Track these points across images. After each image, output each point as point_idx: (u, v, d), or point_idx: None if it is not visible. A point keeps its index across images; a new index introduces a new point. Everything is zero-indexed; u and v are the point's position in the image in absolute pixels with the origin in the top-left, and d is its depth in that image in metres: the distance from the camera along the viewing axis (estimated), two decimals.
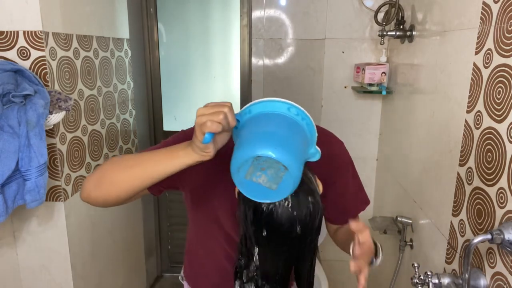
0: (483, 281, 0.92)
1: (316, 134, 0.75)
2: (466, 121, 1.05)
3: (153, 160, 0.80)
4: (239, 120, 0.74)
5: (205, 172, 0.94)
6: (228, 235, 1.00)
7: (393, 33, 1.62)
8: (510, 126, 0.85)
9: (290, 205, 0.74)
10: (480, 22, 0.99)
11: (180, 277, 1.23)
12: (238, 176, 0.70)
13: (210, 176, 0.95)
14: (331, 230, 1.09)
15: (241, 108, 0.76)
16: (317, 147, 0.74)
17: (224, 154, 0.78)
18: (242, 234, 0.83)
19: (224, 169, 0.80)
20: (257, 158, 0.66)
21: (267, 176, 0.68)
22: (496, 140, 0.90)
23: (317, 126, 1.00)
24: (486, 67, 0.96)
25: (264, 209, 0.74)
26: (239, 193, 0.77)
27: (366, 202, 1.06)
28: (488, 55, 0.95)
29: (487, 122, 0.94)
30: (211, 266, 1.09)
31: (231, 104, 0.71)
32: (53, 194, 1.44)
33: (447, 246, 1.15)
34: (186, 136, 0.94)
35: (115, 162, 0.83)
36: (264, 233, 0.76)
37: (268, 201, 0.72)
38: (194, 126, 0.86)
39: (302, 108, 0.73)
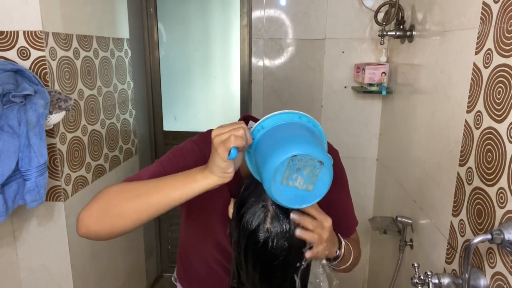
0: (483, 281, 0.92)
1: (327, 142, 0.76)
2: (466, 121, 1.05)
3: (170, 186, 0.74)
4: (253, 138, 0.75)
5: None
6: (220, 245, 1.00)
7: (393, 33, 1.62)
8: (510, 126, 0.85)
9: (286, 235, 0.74)
10: (480, 22, 0.99)
11: (173, 278, 1.22)
12: (275, 184, 0.69)
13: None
14: None
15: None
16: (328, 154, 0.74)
17: None
18: (234, 258, 0.82)
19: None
20: (293, 158, 0.66)
21: (303, 178, 0.69)
22: (496, 140, 0.90)
23: None
24: (486, 67, 0.96)
25: (260, 240, 0.74)
26: (234, 218, 0.78)
27: (356, 223, 1.04)
28: (488, 55, 0.95)
29: (487, 122, 0.94)
30: (203, 270, 1.09)
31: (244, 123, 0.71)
32: (53, 194, 1.44)
33: (447, 246, 1.15)
34: (196, 145, 0.92)
35: (121, 192, 0.76)
36: (254, 262, 0.75)
37: (305, 206, 0.72)
38: (206, 140, 0.85)
39: (311, 117, 0.75)
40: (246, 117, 1.00)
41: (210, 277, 1.08)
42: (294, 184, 0.70)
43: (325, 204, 0.81)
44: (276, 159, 0.67)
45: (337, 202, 0.94)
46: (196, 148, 0.91)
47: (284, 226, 0.75)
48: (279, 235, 0.75)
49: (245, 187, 0.82)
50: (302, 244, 0.76)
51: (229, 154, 0.67)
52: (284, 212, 0.76)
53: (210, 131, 0.91)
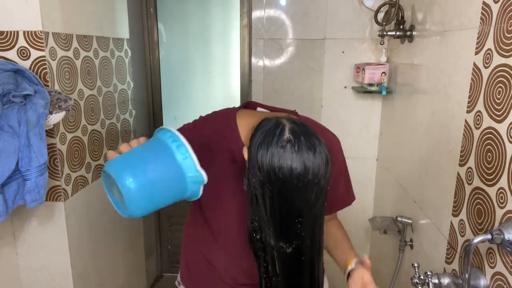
0: (483, 281, 0.92)
1: (193, 161, 0.73)
2: (466, 121, 1.05)
3: None
4: None
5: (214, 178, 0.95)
6: (229, 214, 1.02)
7: (393, 33, 1.62)
8: (510, 126, 0.85)
9: (303, 149, 0.74)
10: (480, 22, 0.99)
11: (176, 283, 1.22)
12: (108, 192, 0.79)
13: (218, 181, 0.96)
14: None
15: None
16: (200, 170, 0.74)
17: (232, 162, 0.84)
18: (251, 206, 0.82)
19: (232, 175, 0.90)
20: (105, 172, 0.74)
21: (118, 191, 0.72)
22: (496, 140, 0.90)
23: (316, 123, 0.99)
24: (486, 67, 0.96)
25: (280, 164, 0.73)
26: (250, 156, 0.78)
27: (353, 198, 1.09)
28: (488, 55, 0.95)
29: (487, 122, 0.94)
30: (209, 272, 1.10)
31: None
32: (53, 194, 1.44)
33: (447, 246, 1.15)
34: (205, 121, 0.99)
35: None
36: (274, 192, 0.75)
37: (123, 215, 0.76)
38: (195, 126, 0.93)
39: (179, 137, 0.73)
40: (250, 103, 1.04)
41: (211, 274, 1.09)
42: (116, 196, 0.75)
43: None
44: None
45: (335, 188, 0.99)
46: (203, 130, 0.99)
47: (298, 148, 0.75)
48: (295, 155, 0.74)
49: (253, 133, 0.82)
50: (321, 165, 0.75)
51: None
52: (296, 136, 0.76)
53: (208, 116, 1.01)
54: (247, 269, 1.07)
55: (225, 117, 1.00)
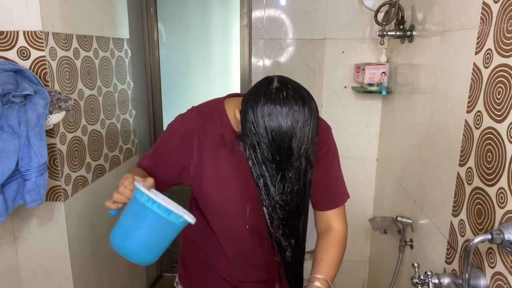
0: (483, 281, 0.92)
1: (176, 214, 0.80)
2: (466, 121, 1.05)
3: None
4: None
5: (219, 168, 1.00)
6: (229, 242, 1.04)
7: (393, 33, 1.62)
8: (510, 126, 0.85)
9: (289, 97, 0.81)
10: (480, 22, 0.99)
11: (175, 283, 1.22)
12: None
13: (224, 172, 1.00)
14: (323, 227, 1.08)
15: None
16: (184, 215, 0.81)
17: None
18: (249, 154, 0.85)
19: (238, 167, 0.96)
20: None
21: None
22: (496, 140, 0.90)
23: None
24: (486, 67, 0.96)
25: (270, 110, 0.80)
26: (242, 115, 0.84)
27: (347, 195, 1.08)
28: (488, 55, 0.95)
29: (487, 122, 0.94)
30: (208, 269, 1.10)
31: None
32: (53, 194, 1.44)
33: (447, 246, 1.15)
34: (182, 122, 1.00)
35: None
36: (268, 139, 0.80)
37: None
38: (191, 118, 1.00)
39: (156, 199, 0.80)
40: (230, 95, 1.06)
41: (210, 271, 1.09)
42: None
43: (317, 172, 0.92)
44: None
45: (328, 171, 1.03)
46: (180, 127, 0.99)
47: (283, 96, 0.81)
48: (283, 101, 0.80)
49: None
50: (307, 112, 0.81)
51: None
52: (284, 83, 0.83)
53: (200, 105, 1.03)
54: (249, 265, 1.08)
55: (214, 103, 1.03)
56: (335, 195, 1.05)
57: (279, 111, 0.79)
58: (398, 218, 1.50)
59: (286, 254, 0.92)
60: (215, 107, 1.01)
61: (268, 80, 0.85)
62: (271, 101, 0.80)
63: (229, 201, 1.01)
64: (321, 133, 0.96)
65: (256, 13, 2.02)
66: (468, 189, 1.03)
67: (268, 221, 0.89)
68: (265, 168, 0.83)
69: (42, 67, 1.33)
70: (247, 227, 1.03)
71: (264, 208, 0.87)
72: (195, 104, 1.05)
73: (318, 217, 1.07)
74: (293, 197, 0.86)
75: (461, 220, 1.06)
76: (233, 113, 0.95)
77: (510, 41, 0.86)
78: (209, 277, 1.12)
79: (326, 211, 1.04)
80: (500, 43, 0.90)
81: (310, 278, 0.96)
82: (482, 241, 0.83)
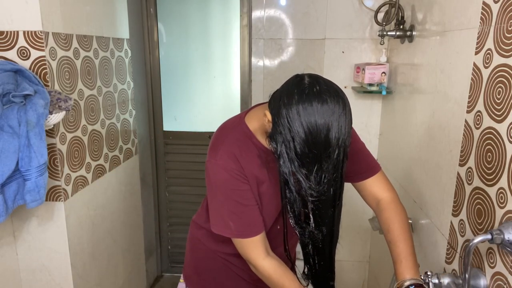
0: (483, 281, 0.92)
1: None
2: (466, 121, 1.05)
3: None
4: None
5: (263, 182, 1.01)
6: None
7: (393, 33, 1.62)
8: (510, 126, 0.85)
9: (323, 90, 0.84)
10: (480, 22, 0.99)
11: (179, 285, 1.22)
12: None
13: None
14: (373, 203, 1.12)
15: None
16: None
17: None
18: (279, 153, 0.86)
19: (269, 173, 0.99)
20: None
21: None
22: (496, 140, 0.90)
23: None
24: (486, 67, 0.96)
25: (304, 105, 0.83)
26: (274, 117, 0.86)
27: (378, 164, 1.15)
28: (488, 55, 0.95)
29: (487, 122, 0.94)
30: (227, 270, 1.11)
31: None
32: (53, 194, 1.44)
33: (447, 246, 1.15)
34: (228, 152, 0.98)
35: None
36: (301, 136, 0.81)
37: None
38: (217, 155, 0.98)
39: None
40: (247, 112, 1.06)
41: (229, 272, 1.10)
42: None
43: (352, 151, 0.95)
44: None
45: (360, 149, 1.11)
46: (225, 173, 0.96)
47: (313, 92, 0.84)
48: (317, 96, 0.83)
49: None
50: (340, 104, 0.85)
51: None
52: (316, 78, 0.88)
53: (227, 141, 0.98)
54: None
55: (240, 127, 1.02)
56: (368, 163, 1.11)
57: (315, 105, 0.80)
58: None
59: (318, 244, 0.96)
60: (242, 132, 1.00)
61: (299, 77, 0.87)
62: (306, 96, 0.81)
63: (267, 203, 1.02)
64: None
65: (256, 13, 2.02)
66: (468, 189, 1.03)
67: (291, 215, 0.92)
68: (299, 163, 0.84)
69: (42, 67, 1.33)
70: (278, 227, 1.05)
71: (287, 203, 0.91)
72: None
73: (364, 193, 1.12)
74: (329, 186, 0.88)
75: (461, 220, 1.06)
76: (258, 128, 0.97)
77: (510, 41, 0.86)
78: (228, 278, 1.12)
79: (366, 179, 1.09)
80: (500, 43, 0.90)
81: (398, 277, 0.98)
82: (482, 241, 0.83)
